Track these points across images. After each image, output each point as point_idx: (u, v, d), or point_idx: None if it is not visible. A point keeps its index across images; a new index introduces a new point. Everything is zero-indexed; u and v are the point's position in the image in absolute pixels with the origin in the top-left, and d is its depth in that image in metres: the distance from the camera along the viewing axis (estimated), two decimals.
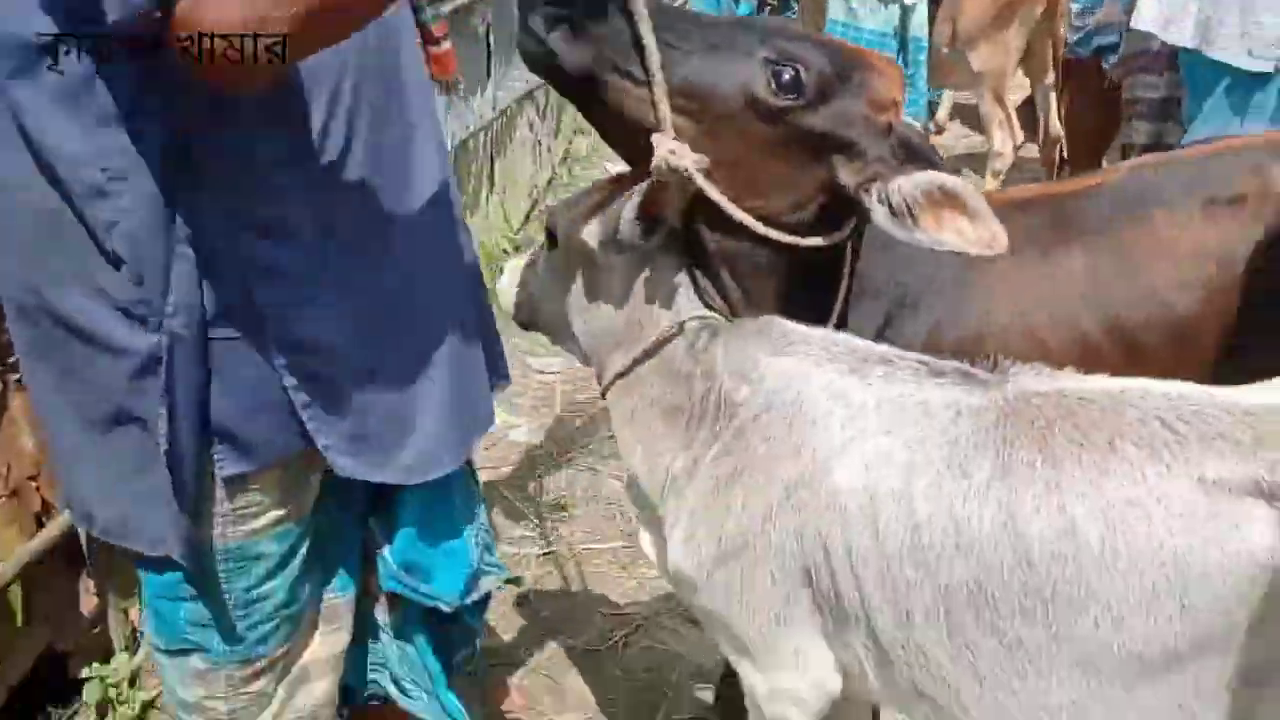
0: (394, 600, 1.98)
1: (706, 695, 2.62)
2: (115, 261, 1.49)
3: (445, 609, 1.95)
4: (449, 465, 1.81)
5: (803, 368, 1.61)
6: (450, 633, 2.02)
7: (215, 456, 1.62)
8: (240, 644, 1.76)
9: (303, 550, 1.77)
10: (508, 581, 2.24)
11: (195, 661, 1.78)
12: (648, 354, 1.72)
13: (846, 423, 1.55)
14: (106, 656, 2.45)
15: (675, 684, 2.69)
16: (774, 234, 1.63)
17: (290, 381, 1.60)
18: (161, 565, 1.71)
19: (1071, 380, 1.53)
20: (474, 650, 2.09)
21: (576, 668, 2.75)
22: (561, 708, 2.64)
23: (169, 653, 1.80)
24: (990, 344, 1.94)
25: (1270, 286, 1.88)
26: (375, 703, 2.11)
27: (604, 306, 1.75)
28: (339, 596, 1.90)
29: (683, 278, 1.72)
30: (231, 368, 1.58)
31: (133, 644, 2.54)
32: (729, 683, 2.44)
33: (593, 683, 2.71)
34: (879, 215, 1.59)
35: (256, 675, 1.80)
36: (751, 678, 1.72)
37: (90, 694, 2.36)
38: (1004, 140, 5.32)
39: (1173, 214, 2.00)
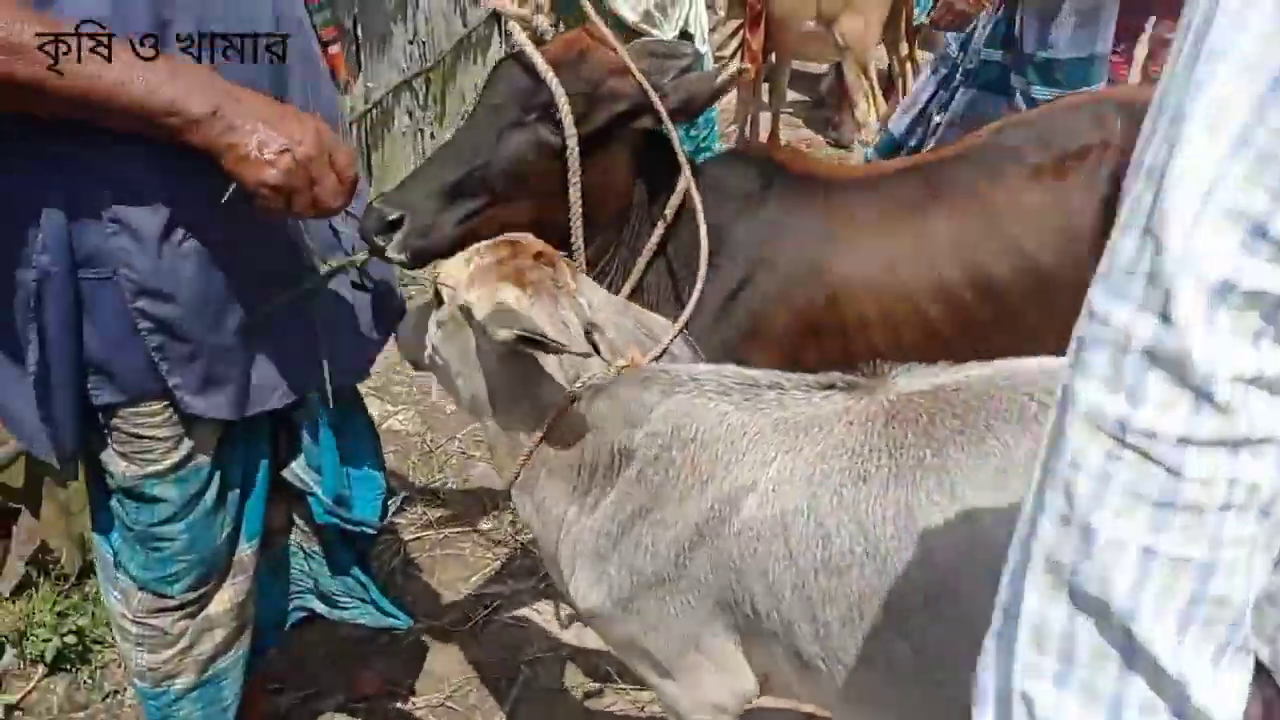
0: (318, 528, 2.12)
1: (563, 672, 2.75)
2: None
3: (370, 532, 2.11)
4: (281, 402, 1.87)
5: (696, 405, 1.64)
6: (364, 547, 2.22)
7: (90, 385, 1.72)
8: (150, 575, 1.90)
9: (207, 498, 1.87)
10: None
11: (121, 576, 1.96)
12: (547, 434, 1.73)
13: (747, 451, 1.59)
14: None
15: (531, 661, 2.79)
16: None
17: (144, 325, 1.68)
18: (94, 488, 1.90)
19: (946, 373, 1.57)
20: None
21: (437, 647, 2.84)
22: (421, 688, 2.72)
23: (108, 562, 1.98)
24: (845, 300, 2.07)
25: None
26: (301, 614, 2.30)
27: (494, 381, 1.76)
28: (247, 548, 2.00)
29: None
30: (100, 304, 1.67)
31: None
32: None
33: (452, 661, 2.80)
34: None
35: (163, 611, 1.94)
36: (674, 694, 1.77)
37: None
38: (868, 111, 5.45)
39: (1027, 170, 2.10)
